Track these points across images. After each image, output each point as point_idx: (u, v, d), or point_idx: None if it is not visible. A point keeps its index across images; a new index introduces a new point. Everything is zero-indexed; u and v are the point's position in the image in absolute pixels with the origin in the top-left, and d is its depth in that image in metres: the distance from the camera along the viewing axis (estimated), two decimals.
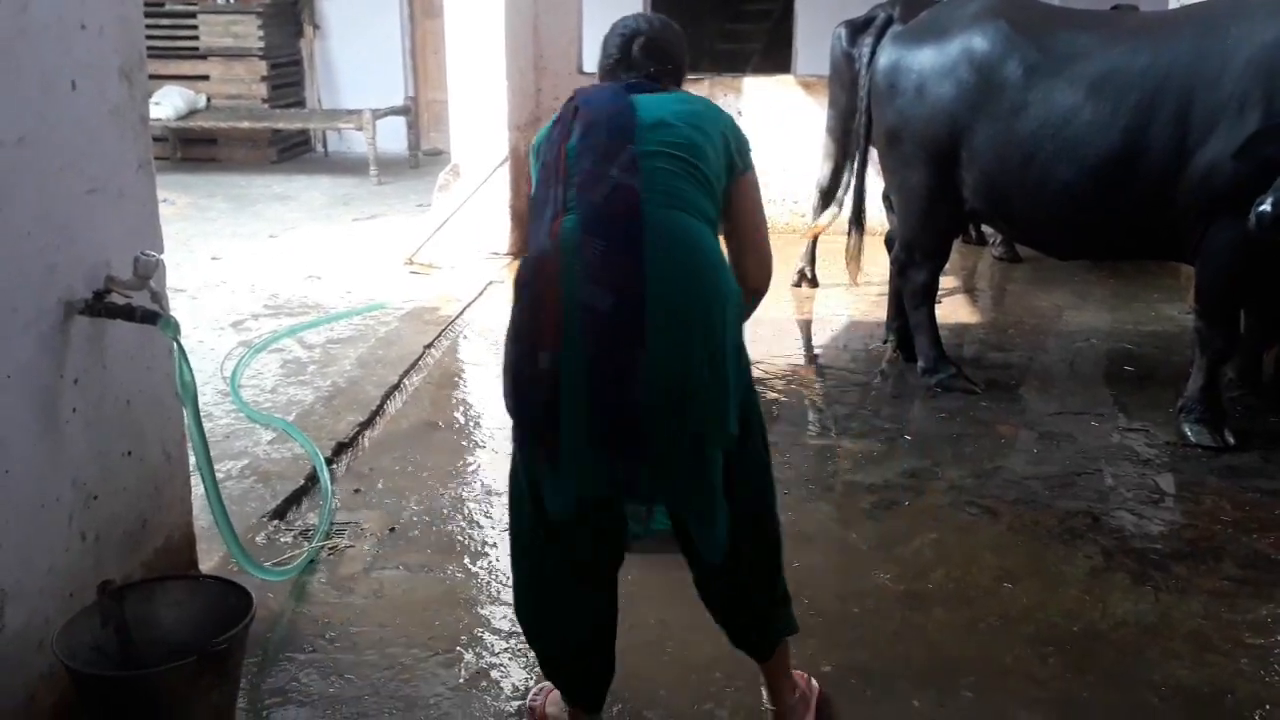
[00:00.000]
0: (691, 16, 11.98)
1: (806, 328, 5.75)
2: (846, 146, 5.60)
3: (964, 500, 3.71)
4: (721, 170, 2.26)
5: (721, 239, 2.31)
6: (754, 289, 2.38)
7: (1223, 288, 4.03)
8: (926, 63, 4.33)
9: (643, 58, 2.40)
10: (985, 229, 6.86)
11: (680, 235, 2.11)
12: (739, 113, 7.46)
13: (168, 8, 10.01)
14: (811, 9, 9.31)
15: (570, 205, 2.13)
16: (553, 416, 2.08)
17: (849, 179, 5.16)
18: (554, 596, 2.32)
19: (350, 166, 9.89)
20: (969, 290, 6.28)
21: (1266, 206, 3.42)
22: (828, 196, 6.02)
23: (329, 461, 3.92)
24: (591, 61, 7.72)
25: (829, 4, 7.89)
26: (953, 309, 5.74)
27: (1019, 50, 4.12)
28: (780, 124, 7.37)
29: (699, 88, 7.44)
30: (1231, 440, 4.05)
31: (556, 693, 2.54)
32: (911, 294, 4.72)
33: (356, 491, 3.77)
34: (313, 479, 3.81)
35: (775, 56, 10.52)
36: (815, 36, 7.69)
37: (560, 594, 2.32)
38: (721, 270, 2.16)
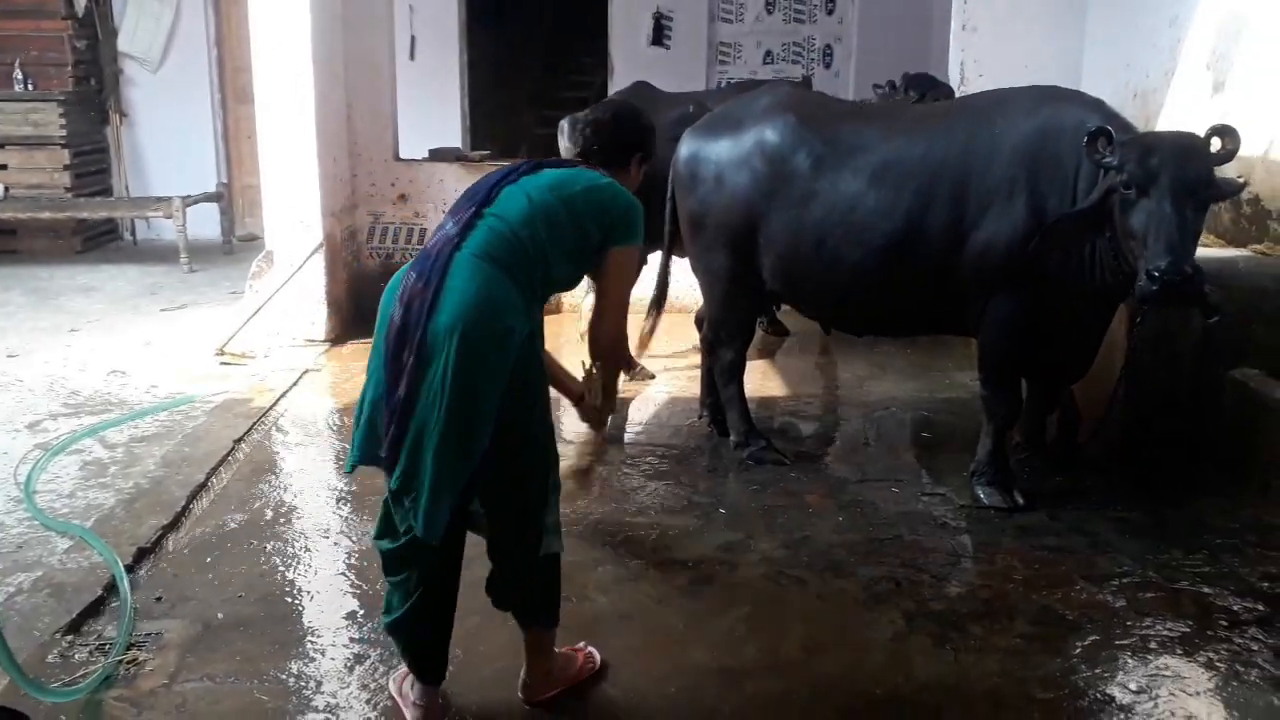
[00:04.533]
0: (509, 103, 12.22)
1: (625, 405, 5.82)
2: None
3: (775, 571, 3.82)
4: (573, 234, 2.83)
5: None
6: (598, 347, 3.06)
7: (1002, 358, 4.30)
8: (723, 154, 4.52)
9: (590, 139, 3.14)
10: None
11: (471, 279, 2.65)
12: None
13: None
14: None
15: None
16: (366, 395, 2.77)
17: None
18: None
19: (161, 255, 9.59)
20: (777, 365, 6.47)
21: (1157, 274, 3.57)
22: None
23: (129, 569, 3.75)
24: (406, 148, 7.80)
25: None
26: (762, 383, 5.94)
27: (806, 143, 4.36)
28: None
29: None
30: (1020, 501, 4.31)
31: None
32: (721, 371, 4.87)
33: (158, 599, 3.62)
34: (111, 588, 3.64)
35: None
36: None
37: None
38: (499, 312, 2.65)
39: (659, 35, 10.52)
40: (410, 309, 2.64)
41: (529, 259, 2.75)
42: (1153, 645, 3.34)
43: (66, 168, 9.65)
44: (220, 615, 3.51)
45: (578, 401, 3.18)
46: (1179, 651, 3.30)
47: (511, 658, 3.12)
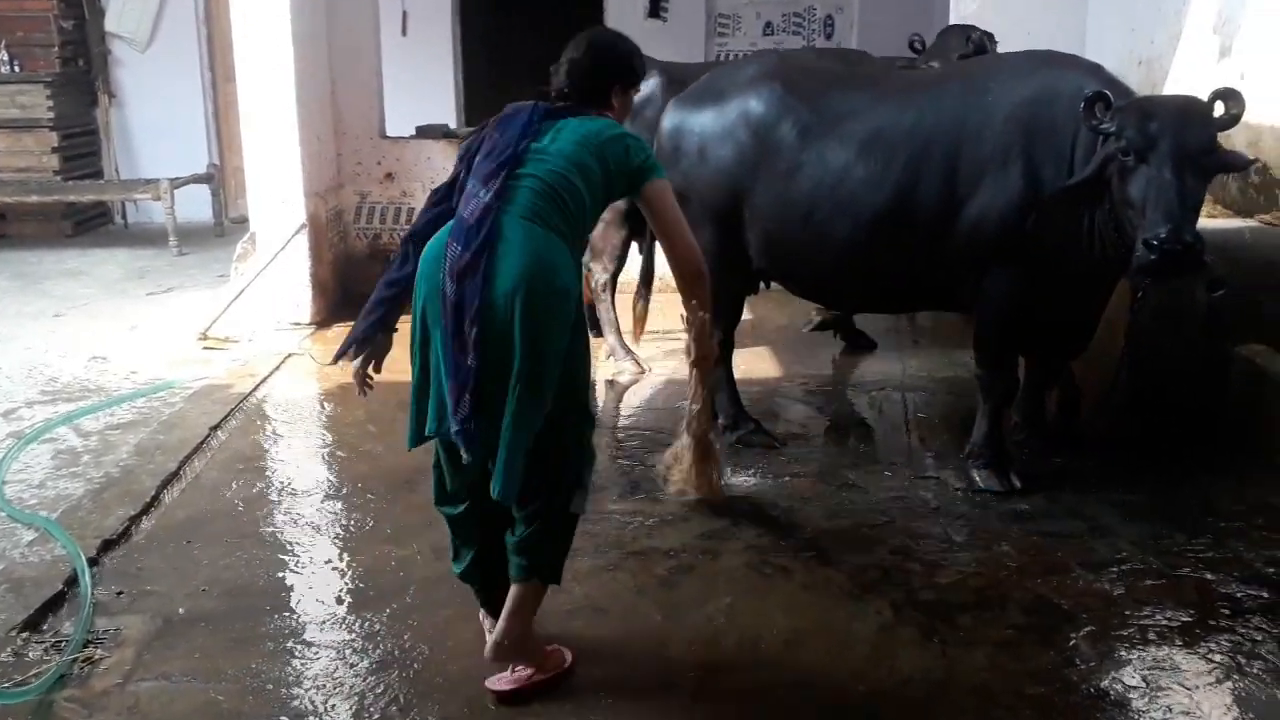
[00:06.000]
0: (505, 78, 12.01)
1: (619, 387, 5.66)
2: None
3: (759, 560, 3.67)
4: (603, 187, 2.87)
5: None
6: (681, 273, 3.12)
7: (998, 334, 4.14)
8: (707, 126, 4.35)
9: (565, 81, 3.00)
10: None
11: (525, 242, 2.68)
12: None
13: None
14: None
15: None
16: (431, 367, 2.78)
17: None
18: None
19: (151, 238, 9.45)
20: (769, 344, 6.28)
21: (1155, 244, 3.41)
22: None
23: (93, 562, 3.64)
24: (392, 126, 7.63)
25: None
26: (754, 363, 5.77)
27: (793, 112, 4.18)
28: None
29: None
30: (1017, 484, 4.15)
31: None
32: None
33: (120, 594, 3.50)
34: (73, 582, 3.53)
35: None
36: None
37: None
38: (558, 272, 2.71)
39: (656, 7, 10.32)
40: (463, 282, 2.65)
41: (572, 216, 2.80)
42: (1151, 636, 3.19)
43: (55, 150, 9.50)
44: (181, 610, 3.40)
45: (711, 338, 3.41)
46: (1179, 643, 3.15)
47: (481, 652, 3.00)
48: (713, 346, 3.35)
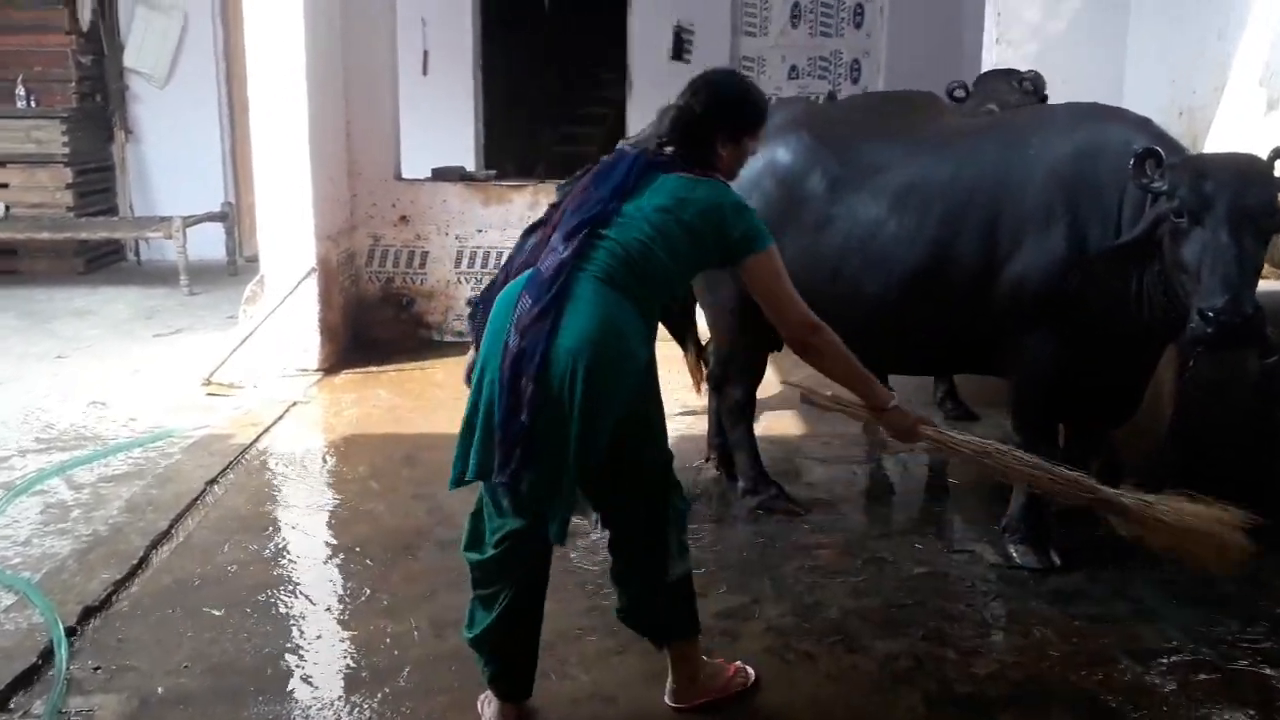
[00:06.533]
0: (526, 120, 11.91)
1: None
2: None
3: (781, 644, 3.41)
4: (692, 258, 2.76)
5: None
6: (794, 345, 2.97)
7: (1038, 401, 3.89)
8: None
9: (668, 129, 2.85)
10: None
11: (596, 304, 2.61)
12: None
13: None
14: (644, 113, 9.24)
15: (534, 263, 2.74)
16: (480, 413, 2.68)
17: None
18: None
19: (163, 276, 9.28)
20: (791, 400, 6.01)
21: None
22: None
23: (71, 631, 3.42)
24: (412, 165, 7.47)
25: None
26: (777, 420, 5.53)
27: (821, 163, 3.97)
28: None
29: (522, 196, 7.22)
30: (1057, 561, 3.89)
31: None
32: (729, 411, 4.48)
33: (97, 670, 3.26)
34: (49, 655, 3.30)
35: None
36: None
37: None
38: (625, 336, 2.63)
39: (679, 49, 10.17)
40: (527, 336, 2.59)
41: (652, 284, 2.72)
42: None
43: (69, 186, 9.37)
44: (160, 690, 3.16)
45: (877, 414, 3.07)
46: None
47: None
48: (900, 418, 3.03)
